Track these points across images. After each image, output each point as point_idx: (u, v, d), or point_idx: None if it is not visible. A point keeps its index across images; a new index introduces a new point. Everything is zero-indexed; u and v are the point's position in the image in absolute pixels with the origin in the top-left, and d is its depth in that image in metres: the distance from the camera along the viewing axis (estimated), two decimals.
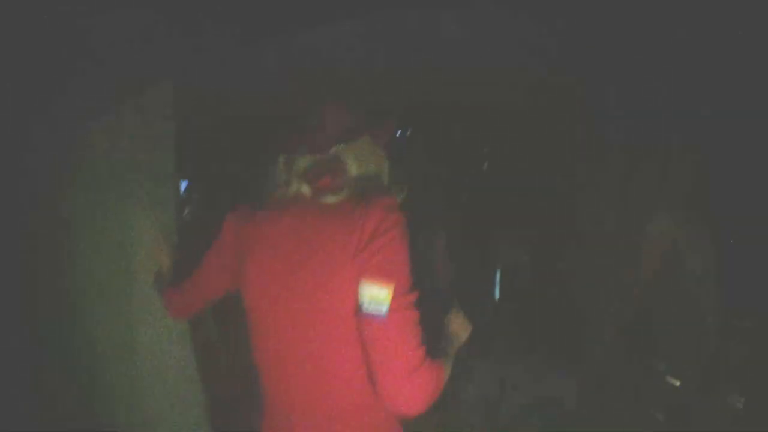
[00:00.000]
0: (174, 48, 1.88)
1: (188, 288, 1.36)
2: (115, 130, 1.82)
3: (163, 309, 1.72)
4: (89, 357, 1.73)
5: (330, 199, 1.07)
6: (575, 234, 2.89)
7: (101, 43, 1.73)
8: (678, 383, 2.13)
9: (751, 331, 1.97)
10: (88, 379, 1.73)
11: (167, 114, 1.93)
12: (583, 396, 2.57)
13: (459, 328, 1.27)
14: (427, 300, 1.08)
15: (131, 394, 1.74)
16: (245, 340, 1.19)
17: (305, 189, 1.10)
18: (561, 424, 2.53)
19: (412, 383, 1.00)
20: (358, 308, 1.00)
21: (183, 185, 2.74)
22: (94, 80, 1.76)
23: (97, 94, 1.78)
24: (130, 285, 1.74)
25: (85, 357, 1.73)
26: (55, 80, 1.70)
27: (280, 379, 1.13)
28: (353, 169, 1.10)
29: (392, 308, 0.98)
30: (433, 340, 1.10)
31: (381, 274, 0.99)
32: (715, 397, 1.98)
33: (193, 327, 1.84)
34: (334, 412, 1.09)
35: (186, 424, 1.80)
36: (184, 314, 1.45)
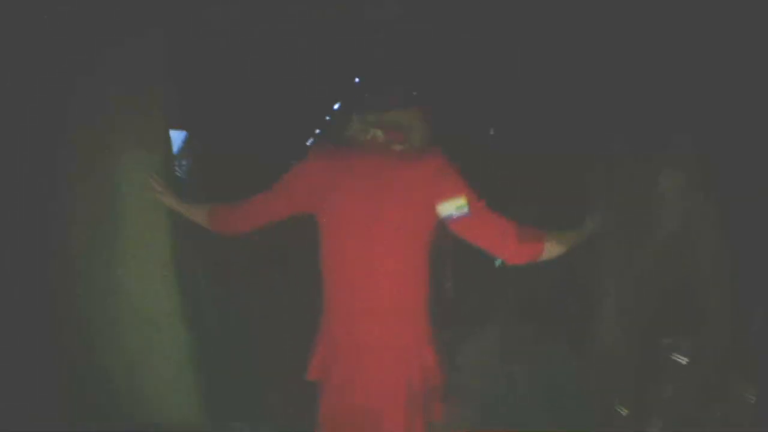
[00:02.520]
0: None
1: (253, 207, 1.58)
2: (104, 73, 1.80)
3: (146, 250, 1.77)
4: (71, 300, 1.77)
5: (397, 147, 1.46)
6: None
7: None
8: (685, 361, 1.99)
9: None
10: (69, 321, 1.76)
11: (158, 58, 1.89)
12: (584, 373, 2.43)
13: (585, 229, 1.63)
14: None
15: (112, 335, 1.76)
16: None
17: (380, 134, 1.48)
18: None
19: (508, 241, 1.44)
20: (448, 219, 1.40)
21: (178, 136, 2.73)
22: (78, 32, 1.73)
23: (83, 44, 1.75)
24: (115, 227, 1.76)
25: (67, 300, 1.76)
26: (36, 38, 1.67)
27: (347, 283, 1.46)
28: (411, 130, 1.50)
29: (471, 209, 1.40)
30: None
31: (454, 191, 1.40)
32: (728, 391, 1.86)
33: (179, 275, 1.85)
34: (383, 312, 1.45)
35: (168, 366, 1.81)
36: (239, 230, 1.63)
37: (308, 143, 4.67)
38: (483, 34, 2.53)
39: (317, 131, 4.65)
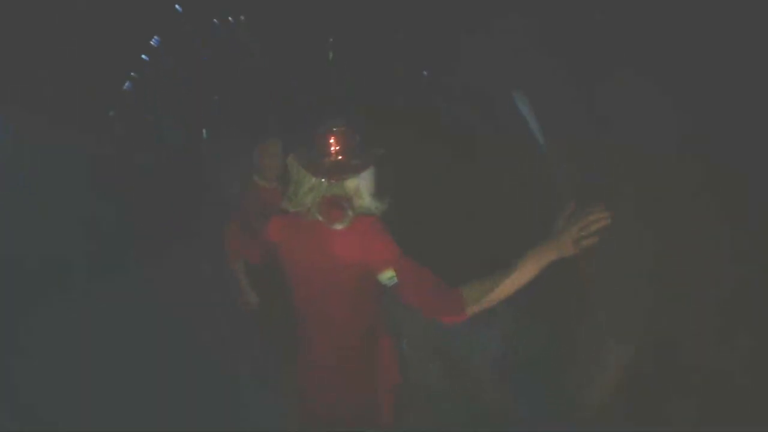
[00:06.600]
0: None
1: (242, 243, 2.05)
2: None
3: None
4: None
5: (336, 227, 1.66)
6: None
7: None
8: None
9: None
10: None
11: None
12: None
13: (563, 239, 1.51)
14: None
15: None
16: None
17: (320, 218, 1.68)
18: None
19: (434, 306, 1.60)
20: (385, 286, 1.66)
21: None
22: None
23: None
24: None
25: None
26: None
27: (310, 317, 1.80)
28: (355, 202, 1.69)
29: (398, 274, 1.62)
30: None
31: (385, 263, 1.63)
32: None
33: None
34: (344, 343, 1.78)
35: None
36: (240, 258, 2.25)
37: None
38: None
39: None
